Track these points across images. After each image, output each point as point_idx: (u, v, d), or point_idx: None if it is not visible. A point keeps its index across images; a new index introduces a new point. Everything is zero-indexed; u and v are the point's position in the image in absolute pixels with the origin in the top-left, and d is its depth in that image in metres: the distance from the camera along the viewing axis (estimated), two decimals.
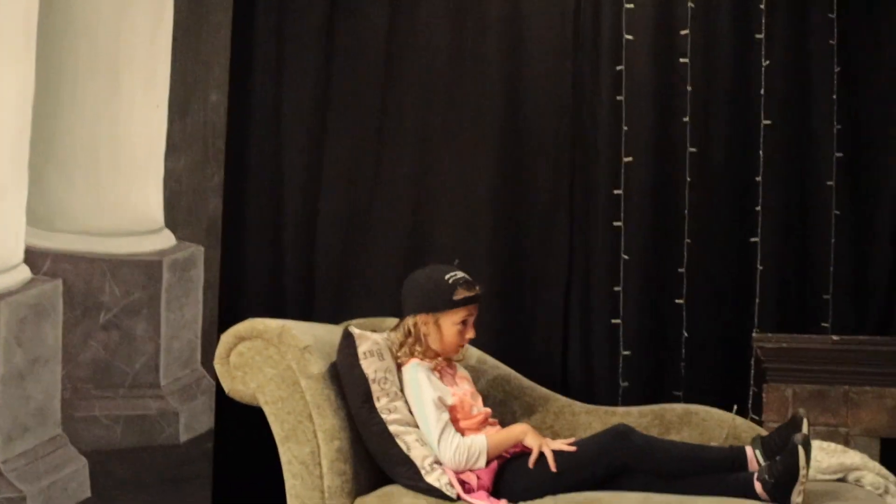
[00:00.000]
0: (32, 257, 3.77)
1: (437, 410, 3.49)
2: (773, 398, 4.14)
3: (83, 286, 3.84)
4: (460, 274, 3.59)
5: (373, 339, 3.55)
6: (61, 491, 3.76)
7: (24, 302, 3.72)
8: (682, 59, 4.40)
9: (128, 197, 3.94)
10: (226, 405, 3.78)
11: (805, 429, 3.41)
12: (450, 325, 3.57)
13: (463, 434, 3.50)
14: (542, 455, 3.49)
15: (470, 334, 3.60)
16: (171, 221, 4.00)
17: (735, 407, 3.77)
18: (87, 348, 3.84)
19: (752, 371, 4.33)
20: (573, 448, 3.46)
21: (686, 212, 4.41)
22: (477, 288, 3.60)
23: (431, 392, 3.50)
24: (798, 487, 3.31)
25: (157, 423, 3.91)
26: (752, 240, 4.39)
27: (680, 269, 4.39)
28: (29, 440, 3.72)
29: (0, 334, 3.65)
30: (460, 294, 3.56)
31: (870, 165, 4.39)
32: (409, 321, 3.58)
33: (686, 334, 4.38)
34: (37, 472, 3.72)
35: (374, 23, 4.43)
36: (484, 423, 3.61)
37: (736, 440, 3.65)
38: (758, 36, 4.39)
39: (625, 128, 4.40)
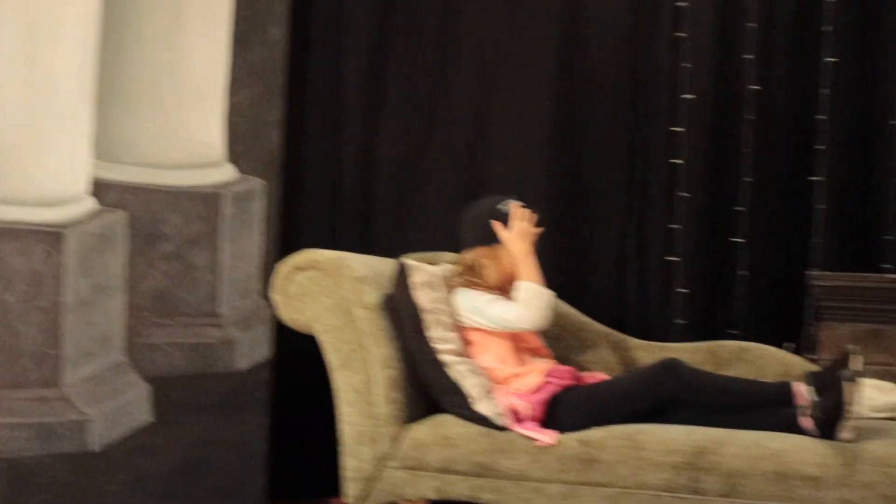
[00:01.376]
0: (98, 189, 3.81)
1: (490, 299, 3.50)
2: (828, 336, 4.10)
3: (146, 217, 3.87)
4: (514, 202, 3.60)
5: (426, 271, 3.58)
6: (124, 414, 3.82)
7: (90, 232, 3.77)
8: None
9: (190, 130, 3.95)
10: (284, 335, 3.86)
11: (856, 365, 3.39)
12: (507, 256, 3.57)
13: (517, 361, 3.52)
14: (589, 389, 3.52)
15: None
16: (232, 155, 4.01)
17: (791, 345, 3.81)
18: (150, 278, 3.87)
19: (808, 310, 4.30)
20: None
21: (745, 150, 4.37)
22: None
23: (483, 295, 3.52)
24: (845, 423, 3.31)
25: (216, 350, 3.95)
26: (812, 178, 4.35)
27: (738, 208, 4.36)
28: (93, 365, 3.78)
29: (67, 263, 3.71)
30: (513, 211, 3.56)
31: None
32: (468, 255, 3.61)
33: (743, 273, 4.36)
34: (100, 396, 3.78)
35: None
36: (535, 352, 3.64)
37: (789, 377, 3.63)
38: None
39: (684, 65, 4.36)
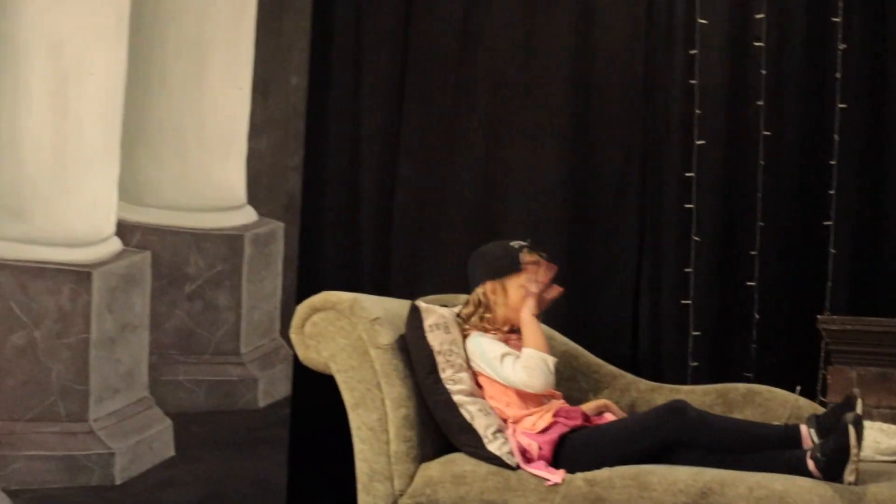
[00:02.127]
0: (123, 230, 3.90)
1: (501, 355, 3.54)
2: (837, 380, 4.11)
3: (170, 258, 3.96)
4: (523, 242, 3.65)
5: (439, 313, 3.62)
6: (147, 449, 3.88)
7: (116, 272, 3.86)
8: (756, 43, 4.37)
9: (212, 174, 4.04)
10: (303, 373, 3.89)
11: (858, 408, 3.41)
12: (516, 289, 3.61)
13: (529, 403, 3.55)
14: (596, 429, 3.54)
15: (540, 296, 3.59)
16: (253, 198, 4.10)
17: (798, 388, 3.78)
18: (173, 316, 3.96)
19: (822, 354, 4.30)
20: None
21: (759, 194, 4.38)
22: (543, 254, 3.65)
23: (495, 347, 3.56)
24: (850, 466, 3.31)
25: (237, 388, 4.02)
26: (826, 223, 4.36)
27: (752, 252, 4.36)
28: (118, 401, 3.86)
29: (93, 302, 3.80)
30: (525, 257, 3.61)
31: None
32: (479, 291, 3.65)
33: (757, 316, 4.36)
34: (125, 431, 3.85)
35: (451, 10, 4.49)
36: (546, 395, 3.66)
37: (798, 421, 3.63)
38: (834, 19, 4.34)
39: (697, 111, 4.39)
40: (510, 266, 3.62)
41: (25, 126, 3.77)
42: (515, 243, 3.66)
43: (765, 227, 4.39)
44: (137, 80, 3.93)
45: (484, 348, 3.59)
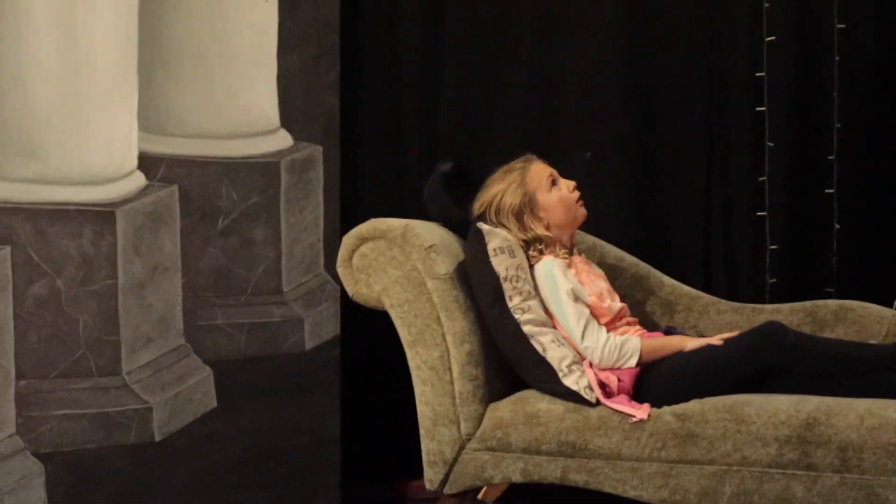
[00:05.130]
0: (146, 163, 3.71)
1: (577, 304, 3.35)
2: None
3: (199, 191, 3.76)
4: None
5: (503, 236, 3.41)
6: (187, 401, 3.73)
7: (141, 210, 3.67)
8: None
9: (240, 96, 3.83)
10: (352, 310, 3.73)
11: None
12: (556, 204, 3.44)
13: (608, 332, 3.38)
14: (683, 357, 3.33)
15: (569, 187, 3.47)
16: (287, 121, 3.89)
17: None
18: (206, 255, 3.77)
19: None
20: (721, 341, 3.32)
21: (835, 93, 4.17)
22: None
23: (568, 285, 3.36)
24: None
25: (281, 330, 3.85)
26: None
27: (830, 156, 4.18)
28: (152, 350, 3.69)
29: (118, 244, 3.62)
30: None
31: None
32: (516, 230, 3.46)
33: (838, 225, 4.20)
34: (161, 383, 3.70)
35: None
36: (621, 319, 3.47)
37: None
38: None
39: (766, 4, 4.16)
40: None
41: (31, 55, 3.55)
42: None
43: (842, 130, 4.19)
44: None
45: (556, 284, 3.38)
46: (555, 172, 3.51)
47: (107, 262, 3.60)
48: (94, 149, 3.62)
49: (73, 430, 3.59)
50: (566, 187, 3.49)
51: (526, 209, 3.44)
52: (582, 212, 3.49)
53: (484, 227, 3.42)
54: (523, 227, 3.43)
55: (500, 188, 3.45)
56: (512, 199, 3.43)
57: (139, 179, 3.70)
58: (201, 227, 3.77)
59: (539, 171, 3.48)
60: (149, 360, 3.68)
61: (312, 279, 3.91)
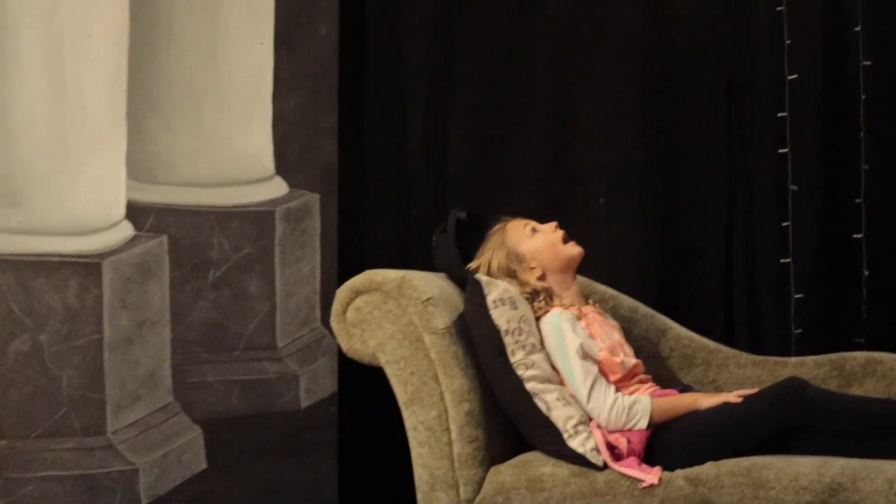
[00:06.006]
0: (134, 212, 3.72)
1: (585, 361, 3.24)
2: None
3: (190, 242, 3.77)
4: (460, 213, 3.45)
5: (504, 287, 3.30)
6: (175, 463, 3.71)
7: (128, 261, 3.68)
8: None
9: (234, 142, 3.85)
10: (350, 366, 3.63)
11: None
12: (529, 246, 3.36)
13: (617, 391, 3.26)
14: (702, 414, 3.20)
15: (551, 227, 3.40)
16: (283, 167, 3.91)
17: None
18: (197, 309, 3.77)
19: None
20: (739, 399, 3.21)
21: (862, 133, 4.10)
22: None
23: (577, 341, 3.25)
24: None
25: (275, 387, 3.84)
26: None
27: (857, 200, 4.11)
28: (139, 409, 3.69)
29: (104, 297, 3.62)
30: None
31: None
32: (521, 280, 3.36)
33: (867, 272, 4.11)
34: (148, 444, 3.68)
35: None
36: (633, 377, 3.34)
37: None
38: None
39: (787, 41, 4.10)
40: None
41: (17, 99, 3.58)
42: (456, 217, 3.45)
43: (870, 171, 4.13)
44: (141, 41, 3.73)
45: (565, 339, 3.27)
46: (532, 222, 3.46)
47: (92, 316, 3.62)
48: (81, 197, 3.64)
49: (56, 493, 3.58)
50: (548, 229, 3.43)
51: (514, 265, 3.37)
52: (576, 250, 3.40)
53: (483, 277, 3.33)
54: (519, 282, 3.37)
55: (486, 257, 3.42)
56: (498, 260, 3.39)
57: (127, 229, 3.72)
58: (192, 279, 3.78)
59: (515, 226, 3.44)
60: (135, 419, 3.68)
61: (308, 334, 3.91)
